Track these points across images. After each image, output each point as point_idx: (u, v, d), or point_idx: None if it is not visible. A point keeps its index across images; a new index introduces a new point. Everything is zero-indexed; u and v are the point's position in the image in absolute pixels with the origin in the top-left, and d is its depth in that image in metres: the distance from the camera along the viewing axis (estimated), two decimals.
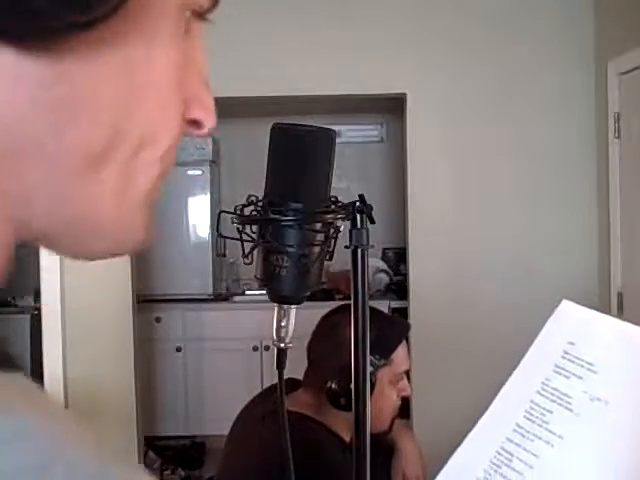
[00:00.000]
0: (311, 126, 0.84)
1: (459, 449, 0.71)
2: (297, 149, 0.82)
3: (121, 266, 2.81)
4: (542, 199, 3.37)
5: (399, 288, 4.05)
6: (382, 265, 4.30)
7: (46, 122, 0.29)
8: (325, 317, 1.66)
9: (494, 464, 0.68)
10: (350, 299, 0.89)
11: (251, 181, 0.86)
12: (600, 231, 3.31)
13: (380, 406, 1.52)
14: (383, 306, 3.53)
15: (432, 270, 3.39)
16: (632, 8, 2.89)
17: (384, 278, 4.23)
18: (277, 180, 0.82)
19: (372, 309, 0.92)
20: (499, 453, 0.68)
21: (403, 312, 3.53)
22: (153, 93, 0.33)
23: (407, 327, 1.72)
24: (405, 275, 3.72)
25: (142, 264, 3.84)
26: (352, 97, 3.54)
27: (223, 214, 0.87)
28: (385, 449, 1.68)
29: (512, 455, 0.67)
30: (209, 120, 0.36)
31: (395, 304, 3.90)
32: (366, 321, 0.87)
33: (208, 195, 4.24)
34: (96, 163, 0.31)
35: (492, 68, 3.35)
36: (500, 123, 3.37)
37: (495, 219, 3.39)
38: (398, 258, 4.32)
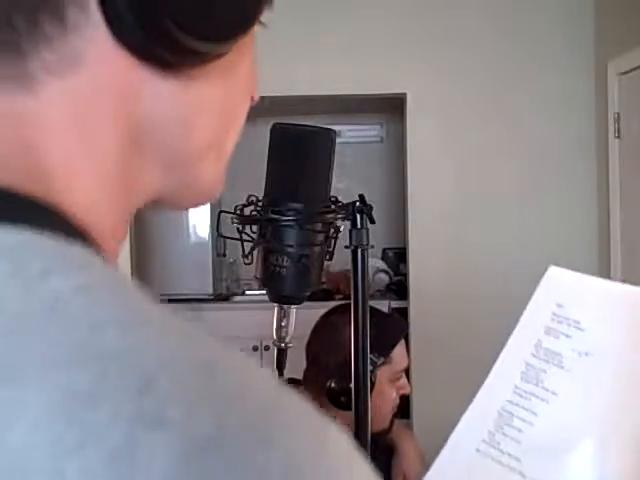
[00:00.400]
0: (311, 126, 0.84)
1: (464, 416, 0.76)
2: (297, 149, 0.82)
3: (121, 266, 2.81)
4: (542, 199, 3.37)
5: (399, 288, 4.04)
6: (382, 265, 4.30)
7: (176, 121, 0.39)
8: (324, 317, 1.66)
9: (497, 425, 0.73)
10: (350, 299, 0.89)
11: (251, 181, 0.86)
12: (600, 231, 3.31)
13: (380, 405, 1.52)
14: (383, 306, 3.52)
15: (432, 270, 3.39)
16: (632, 8, 2.89)
17: (384, 278, 4.22)
18: (277, 180, 0.82)
19: (370, 308, 0.92)
20: (500, 414, 0.73)
21: (403, 312, 3.53)
22: (240, 94, 0.43)
23: (405, 325, 1.73)
24: (405, 275, 3.72)
25: (142, 264, 3.84)
26: (352, 97, 3.54)
27: (223, 214, 0.87)
28: (385, 449, 1.68)
29: (512, 415, 0.72)
30: (256, 95, 0.48)
31: (395, 304, 3.90)
32: (366, 321, 0.88)
33: None
34: (209, 149, 0.42)
35: (492, 68, 3.35)
36: (500, 123, 3.37)
37: (495, 219, 3.39)
38: (398, 258, 4.32)
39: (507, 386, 0.75)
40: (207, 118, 0.41)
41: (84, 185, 0.36)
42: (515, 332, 0.79)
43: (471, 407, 0.76)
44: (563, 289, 0.79)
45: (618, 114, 3.07)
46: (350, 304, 0.88)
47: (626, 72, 2.98)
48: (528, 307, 0.79)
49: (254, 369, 0.29)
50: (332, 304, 1.82)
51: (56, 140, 0.35)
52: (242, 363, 0.29)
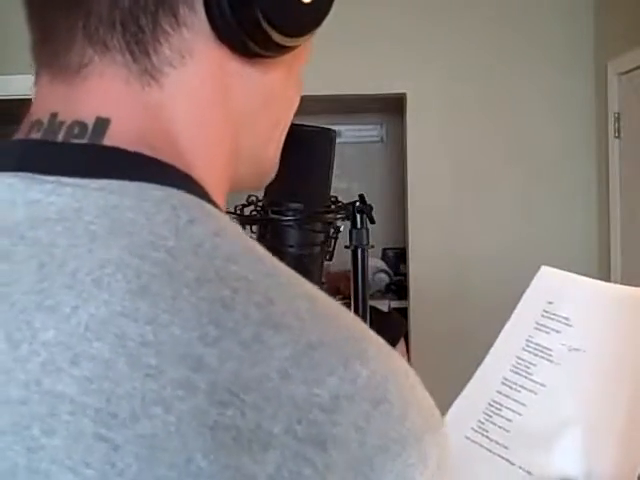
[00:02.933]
0: (311, 126, 0.84)
1: (454, 404, 0.79)
2: (297, 149, 0.82)
3: None
4: (542, 199, 3.37)
5: (399, 288, 4.04)
6: (382, 265, 4.30)
7: (258, 102, 0.45)
8: None
9: (486, 414, 0.76)
10: (350, 299, 0.89)
11: None
12: (600, 231, 3.31)
13: None
14: (383, 306, 3.52)
15: (432, 270, 3.39)
16: (632, 8, 2.89)
17: (384, 278, 4.22)
18: (277, 180, 0.82)
19: (370, 307, 0.92)
20: (490, 405, 0.76)
21: (403, 312, 3.53)
22: (295, 85, 0.50)
23: (404, 323, 1.74)
24: (405, 275, 3.72)
25: None
26: (352, 97, 3.54)
27: None
28: None
29: (502, 405, 0.76)
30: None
31: (395, 304, 3.90)
32: (366, 320, 0.88)
33: None
34: (276, 128, 0.49)
35: (492, 68, 3.35)
36: (500, 123, 3.37)
37: (495, 219, 3.39)
38: (398, 258, 4.32)
39: (497, 378, 0.78)
40: (276, 101, 0.47)
41: (203, 163, 0.42)
42: (506, 327, 0.82)
43: (461, 396, 0.79)
44: (553, 287, 0.82)
45: (618, 114, 3.07)
46: (346, 304, 0.88)
47: (626, 72, 2.97)
48: (520, 304, 0.83)
49: (339, 307, 0.37)
50: None
51: (181, 125, 0.41)
52: (333, 302, 0.37)
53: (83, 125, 0.39)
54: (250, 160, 0.48)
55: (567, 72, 3.34)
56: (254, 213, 0.82)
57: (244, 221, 0.83)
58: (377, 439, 0.32)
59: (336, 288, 4.01)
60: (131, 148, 0.39)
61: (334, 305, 0.37)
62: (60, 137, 0.40)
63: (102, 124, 0.39)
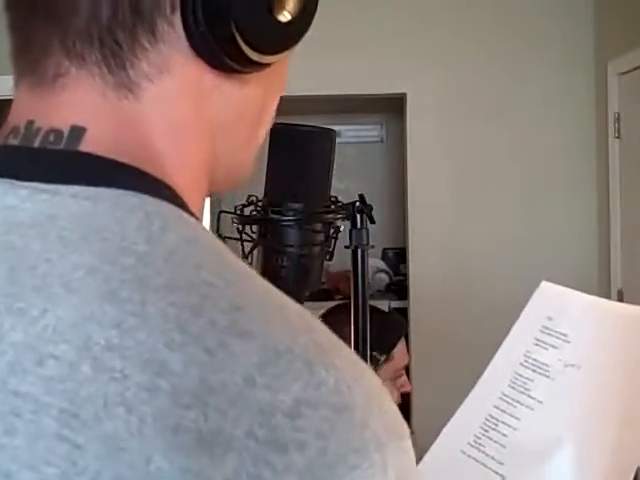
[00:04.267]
0: (311, 126, 0.84)
1: (453, 418, 0.79)
2: (297, 149, 0.82)
3: None
4: (542, 199, 3.37)
5: (399, 288, 4.04)
6: (382, 265, 4.30)
7: (233, 114, 0.46)
8: (321, 318, 1.66)
9: (483, 429, 0.76)
10: (350, 299, 0.89)
11: (251, 181, 0.87)
12: (600, 231, 3.31)
13: None
14: (383, 306, 3.52)
15: (432, 270, 3.38)
16: (632, 8, 2.89)
17: (384, 278, 4.22)
18: (277, 180, 0.82)
19: (370, 307, 0.92)
20: (487, 419, 0.77)
21: (403, 312, 3.53)
22: (275, 91, 0.50)
23: (405, 323, 1.74)
24: (405, 275, 3.72)
25: None
26: (352, 97, 3.54)
27: (223, 214, 0.87)
28: None
29: (498, 420, 0.76)
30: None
31: (395, 304, 3.89)
32: (366, 320, 0.88)
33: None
34: (252, 137, 0.50)
35: (492, 68, 3.35)
36: (500, 123, 3.37)
37: (495, 219, 3.39)
38: (398, 258, 4.32)
39: (495, 393, 0.78)
40: (252, 112, 0.48)
41: (179, 172, 0.43)
42: (505, 342, 0.82)
43: (459, 411, 0.79)
44: (553, 303, 0.83)
45: (618, 114, 3.07)
46: (345, 304, 0.88)
47: (626, 72, 2.97)
48: (519, 319, 0.83)
49: (310, 316, 0.37)
50: (332, 304, 1.82)
51: (157, 136, 0.42)
52: (302, 310, 0.38)
53: (59, 132, 0.40)
54: (227, 168, 0.49)
55: (567, 72, 3.34)
56: (254, 213, 0.82)
57: (244, 221, 0.83)
58: (338, 446, 0.32)
59: (336, 288, 4.01)
60: (107, 155, 0.39)
61: (304, 314, 0.37)
62: (36, 144, 0.40)
63: (77, 132, 0.40)
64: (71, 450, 0.31)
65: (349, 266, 0.89)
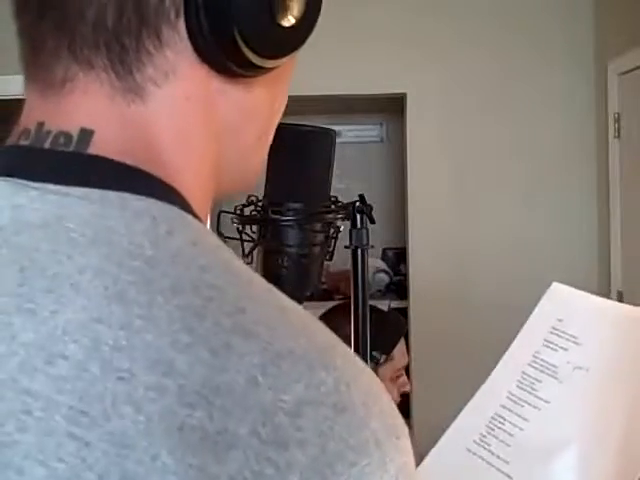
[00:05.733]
0: (311, 126, 0.84)
1: (459, 416, 0.80)
2: (297, 149, 0.82)
3: None
4: (542, 199, 3.37)
5: (399, 288, 4.04)
6: (382, 265, 4.30)
7: (240, 118, 0.47)
8: (320, 318, 1.66)
9: (489, 428, 0.77)
10: (350, 299, 0.89)
11: None
12: (600, 231, 3.31)
13: None
14: (383, 306, 3.52)
15: (432, 270, 3.38)
16: (632, 8, 2.89)
17: (384, 278, 4.22)
18: (277, 180, 0.82)
19: (369, 306, 0.92)
20: (494, 418, 0.77)
21: (403, 312, 3.53)
22: (281, 95, 0.51)
23: (404, 322, 1.74)
24: (405, 275, 3.72)
25: None
26: (352, 97, 3.54)
27: (223, 214, 0.87)
28: None
29: (504, 419, 0.76)
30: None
31: (395, 304, 3.90)
32: (366, 320, 0.88)
33: None
34: (259, 140, 0.50)
35: (492, 68, 3.35)
36: (500, 123, 3.37)
37: (495, 219, 3.39)
38: (398, 258, 4.31)
39: (502, 392, 0.78)
40: (260, 115, 0.49)
41: (185, 175, 0.44)
42: (515, 342, 0.82)
43: (465, 409, 0.80)
44: (564, 305, 0.82)
45: (618, 114, 3.07)
46: (344, 303, 0.88)
47: (626, 72, 2.97)
48: (529, 319, 0.83)
49: (310, 317, 0.39)
50: (332, 304, 1.82)
51: (164, 139, 0.43)
52: (303, 311, 0.39)
53: (68, 135, 0.41)
54: (234, 171, 0.50)
55: (567, 72, 3.34)
56: (254, 213, 0.82)
57: (244, 221, 0.83)
58: (338, 444, 0.33)
59: (336, 288, 4.00)
60: (115, 158, 0.40)
61: (305, 316, 0.38)
62: (46, 145, 0.41)
63: (86, 135, 0.41)
64: (80, 447, 0.32)
65: (349, 266, 0.89)
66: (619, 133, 3.07)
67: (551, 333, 0.80)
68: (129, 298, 0.35)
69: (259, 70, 0.45)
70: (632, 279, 2.97)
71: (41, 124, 0.42)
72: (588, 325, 0.79)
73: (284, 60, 0.46)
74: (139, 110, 0.42)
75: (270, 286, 0.39)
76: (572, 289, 0.84)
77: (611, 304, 0.83)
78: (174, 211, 0.40)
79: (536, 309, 0.84)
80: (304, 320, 0.38)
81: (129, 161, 0.40)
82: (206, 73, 0.44)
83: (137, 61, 0.41)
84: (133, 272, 0.36)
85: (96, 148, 0.41)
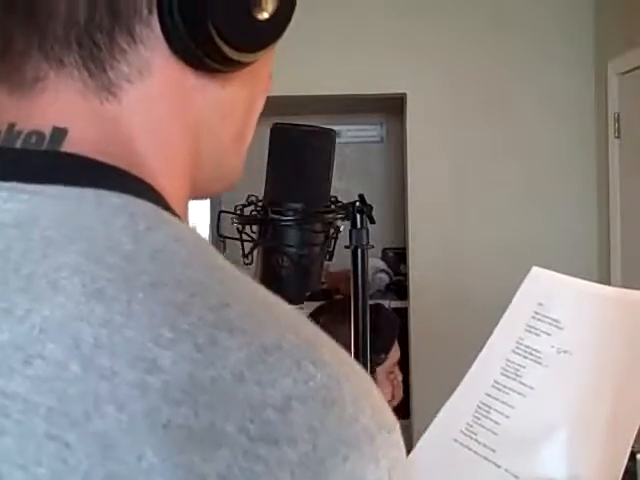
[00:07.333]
0: (311, 126, 0.84)
1: (445, 407, 0.79)
2: (297, 149, 0.82)
3: None
4: (542, 199, 3.37)
5: (399, 288, 4.05)
6: (382, 265, 4.30)
7: (217, 115, 0.47)
8: (310, 316, 1.66)
9: (475, 417, 0.76)
10: (350, 299, 0.89)
11: (251, 181, 0.86)
12: (600, 231, 3.31)
13: None
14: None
15: (432, 270, 3.39)
16: (632, 8, 2.89)
17: (384, 278, 4.23)
18: (277, 180, 0.82)
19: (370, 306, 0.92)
20: (479, 407, 0.77)
21: (403, 312, 3.53)
22: (260, 91, 0.51)
23: (397, 319, 1.76)
24: (405, 275, 3.72)
25: None
26: (352, 97, 3.54)
27: (223, 214, 0.87)
28: None
29: (490, 408, 0.76)
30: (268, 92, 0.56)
31: (395, 304, 3.90)
32: (366, 320, 0.88)
33: None
34: (238, 136, 0.50)
35: (492, 68, 3.35)
36: (500, 123, 3.37)
37: (495, 219, 3.39)
38: (398, 258, 4.32)
39: (487, 380, 0.78)
40: (238, 112, 0.49)
41: (161, 172, 0.43)
42: (497, 329, 0.82)
43: (451, 399, 0.80)
44: (544, 289, 0.82)
45: (618, 114, 3.07)
46: (334, 301, 0.88)
47: (626, 72, 2.97)
48: (511, 305, 0.83)
49: (297, 313, 0.38)
50: (318, 304, 1.79)
51: (139, 137, 0.43)
52: (289, 307, 0.38)
53: (40, 134, 0.40)
54: (212, 170, 0.49)
55: (567, 72, 3.34)
56: (254, 213, 0.83)
57: (244, 221, 0.83)
58: (329, 439, 0.32)
59: (336, 288, 4.01)
60: (89, 156, 0.40)
61: (291, 311, 0.38)
62: (18, 146, 0.40)
63: (59, 133, 0.40)
64: (61, 449, 0.31)
65: (349, 266, 0.89)
66: (619, 133, 3.07)
67: (533, 318, 0.79)
68: (109, 295, 0.34)
69: (236, 65, 0.44)
70: (632, 279, 2.97)
71: (12, 125, 0.41)
72: (570, 308, 0.79)
73: (261, 54, 0.45)
74: (113, 108, 0.42)
75: (254, 282, 0.39)
76: (553, 273, 0.83)
77: (592, 286, 0.82)
78: (151, 208, 0.39)
79: (517, 294, 0.83)
80: (290, 315, 0.37)
81: (103, 158, 0.40)
82: (181, 69, 0.43)
83: (110, 58, 0.41)
84: (112, 269, 0.35)
85: (70, 146, 0.40)
